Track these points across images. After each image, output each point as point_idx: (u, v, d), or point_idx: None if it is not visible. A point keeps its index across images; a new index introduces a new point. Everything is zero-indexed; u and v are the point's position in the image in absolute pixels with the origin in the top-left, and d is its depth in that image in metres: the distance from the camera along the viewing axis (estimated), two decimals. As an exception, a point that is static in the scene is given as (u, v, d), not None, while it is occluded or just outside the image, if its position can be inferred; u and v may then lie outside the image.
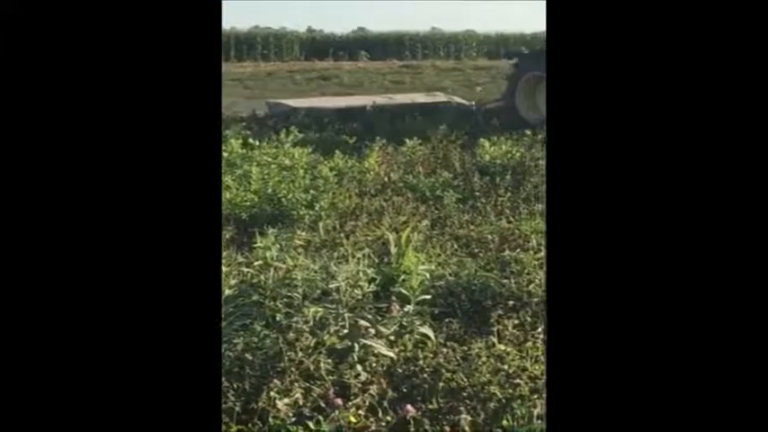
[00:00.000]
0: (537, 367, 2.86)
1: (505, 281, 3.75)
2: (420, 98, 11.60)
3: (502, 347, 3.04)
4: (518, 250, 4.30)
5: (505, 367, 2.85)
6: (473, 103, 11.09)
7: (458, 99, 11.57)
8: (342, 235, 4.58)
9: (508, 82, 10.74)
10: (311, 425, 2.49)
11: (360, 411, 2.63)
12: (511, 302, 3.48)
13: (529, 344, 3.06)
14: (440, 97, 11.80)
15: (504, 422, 2.52)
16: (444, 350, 3.02)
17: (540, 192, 5.66)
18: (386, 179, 6.28)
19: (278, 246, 3.81)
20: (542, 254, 4.17)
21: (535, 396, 2.62)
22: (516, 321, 3.28)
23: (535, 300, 3.50)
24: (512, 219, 5.05)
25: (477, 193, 5.69)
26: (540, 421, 2.48)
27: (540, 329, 3.19)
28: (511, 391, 2.68)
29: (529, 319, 3.32)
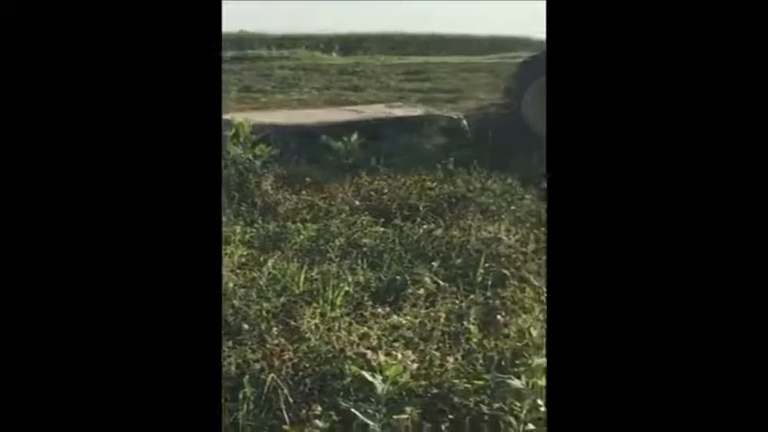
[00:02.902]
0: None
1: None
2: (397, 111, 9.11)
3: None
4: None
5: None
6: (460, 115, 8.52)
7: (438, 112, 9.07)
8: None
9: (510, 87, 8.76)
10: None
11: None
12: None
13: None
14: (416, 111, 9.11)
15: None
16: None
17: (245, 195, 5.51)
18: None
19: None
20: (238, 254, 4.22)
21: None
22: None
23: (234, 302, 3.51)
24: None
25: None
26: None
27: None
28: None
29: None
